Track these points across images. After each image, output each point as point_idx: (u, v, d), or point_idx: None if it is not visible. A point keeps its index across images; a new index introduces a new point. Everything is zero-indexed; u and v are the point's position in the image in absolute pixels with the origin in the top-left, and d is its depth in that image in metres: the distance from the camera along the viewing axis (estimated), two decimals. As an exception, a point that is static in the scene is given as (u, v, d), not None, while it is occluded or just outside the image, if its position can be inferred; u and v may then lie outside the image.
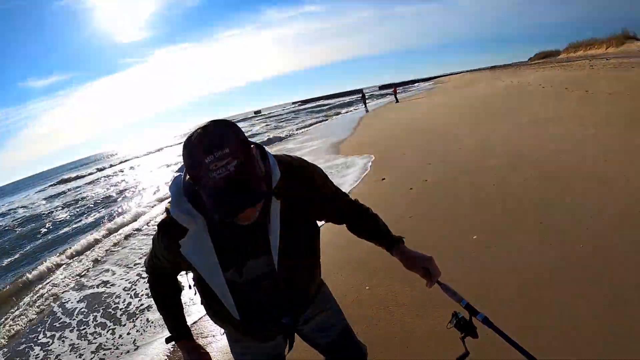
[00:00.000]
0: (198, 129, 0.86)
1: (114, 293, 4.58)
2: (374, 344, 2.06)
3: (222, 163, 0.80)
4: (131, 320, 3.76)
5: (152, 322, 3.59)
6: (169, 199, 1.02)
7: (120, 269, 5.50)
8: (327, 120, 28.15)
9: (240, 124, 1.05)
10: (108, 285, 4.95)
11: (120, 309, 4.08)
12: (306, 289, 1.24)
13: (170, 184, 1.03)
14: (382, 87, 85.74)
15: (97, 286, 5.05)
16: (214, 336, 2.97)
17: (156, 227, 1.10)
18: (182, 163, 0.91)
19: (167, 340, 1.30)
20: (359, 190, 6.06)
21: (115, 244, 7.03)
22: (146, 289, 4.28)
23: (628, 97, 8.19)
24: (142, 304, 4.04)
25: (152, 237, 1.18)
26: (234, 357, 1.37)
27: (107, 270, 5.60)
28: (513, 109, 10.18)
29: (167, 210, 1.02)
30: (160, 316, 1.32)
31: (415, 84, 72.73)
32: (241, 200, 0.82)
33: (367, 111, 25.73)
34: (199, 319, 3.21)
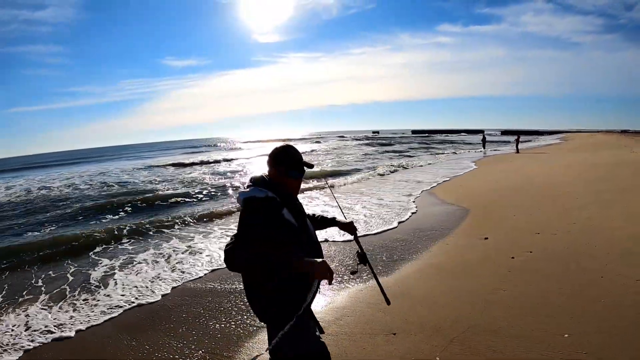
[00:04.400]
0: (288, 146, 1.93)
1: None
2: None
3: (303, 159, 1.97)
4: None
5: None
6: (255, 195, 1.75)
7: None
8: (440, 155, 27.95)
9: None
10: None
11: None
12: None
13: (251, 189, 1.78)
14: (504, 133, 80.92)
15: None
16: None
17: (258, 213, 1.71)
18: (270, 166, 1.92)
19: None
20: (457, 241, 6.06)
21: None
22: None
23: None
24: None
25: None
26: (295, 348, 1.77)
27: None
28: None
29: (266, 197, 1.74)
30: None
31: (540, 136, 66.40)
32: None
33: (484, 154, 25.62)
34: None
